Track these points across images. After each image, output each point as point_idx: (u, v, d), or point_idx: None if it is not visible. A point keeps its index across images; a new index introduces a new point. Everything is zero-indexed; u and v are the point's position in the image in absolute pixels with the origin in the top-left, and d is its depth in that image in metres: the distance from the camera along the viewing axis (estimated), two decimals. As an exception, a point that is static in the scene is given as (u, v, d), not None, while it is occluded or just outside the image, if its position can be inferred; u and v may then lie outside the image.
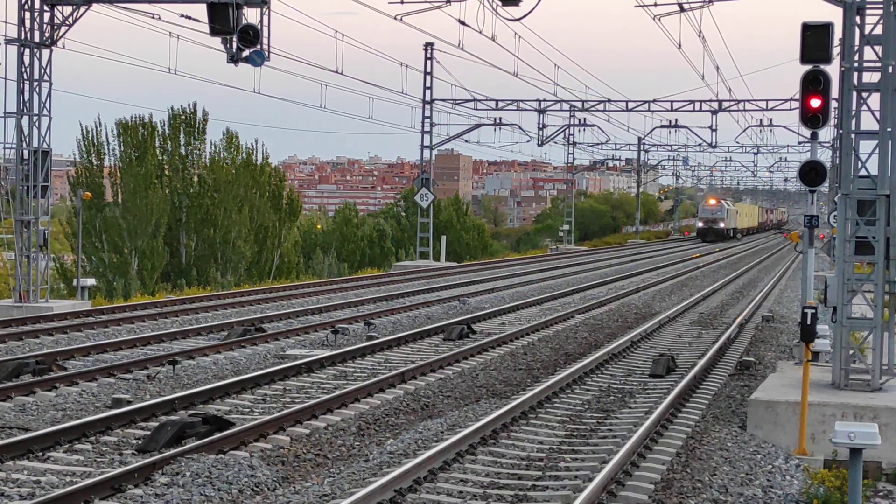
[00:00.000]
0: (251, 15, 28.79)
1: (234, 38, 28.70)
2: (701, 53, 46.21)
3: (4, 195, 31.00)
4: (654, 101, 66.15)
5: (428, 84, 61.00)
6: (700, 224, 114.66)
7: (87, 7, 30.64)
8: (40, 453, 14.02)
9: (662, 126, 78.96)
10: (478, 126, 67.14)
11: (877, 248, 17.16)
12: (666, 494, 13.18)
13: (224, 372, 21.08)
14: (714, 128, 71.32)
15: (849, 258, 17.41)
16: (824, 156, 62.14)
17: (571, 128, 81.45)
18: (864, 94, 17.45)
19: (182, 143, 57.15)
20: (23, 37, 30.20)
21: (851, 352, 17.66)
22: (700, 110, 65.48)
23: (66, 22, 30.56)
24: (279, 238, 61.70)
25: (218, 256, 56.68)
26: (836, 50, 18.72)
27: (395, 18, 36.25)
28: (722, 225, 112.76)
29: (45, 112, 30.59)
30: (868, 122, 17.48)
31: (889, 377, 17.47)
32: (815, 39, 18.33)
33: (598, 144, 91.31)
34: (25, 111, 30.39)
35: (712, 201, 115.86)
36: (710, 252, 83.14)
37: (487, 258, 75.10)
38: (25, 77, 30.41)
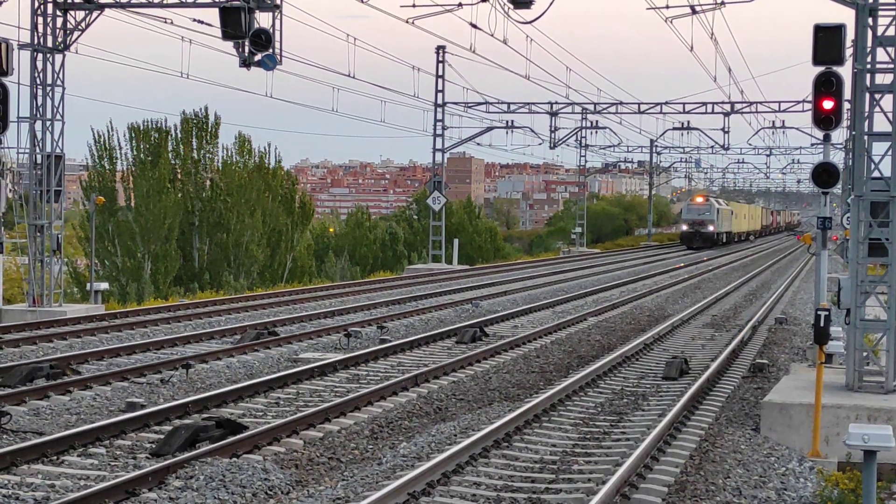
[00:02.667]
0: (263, 19, 28.87)
1: (247, 43, 28.75)
2: (713, 55, 46.17)
3: (18, 200, 31.08)
4: (666, 103, 66.10)
5: (440, 87, 61.04)
6: (684, 227, 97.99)
7: (99, 12, 30.74)
8: (55, 457, 14.05)
9: (675, 128, 78.91)
10: (490, 129, 67.14)
11: (890, 250, 17.12)
12: (679, 497, 13.17)
13: (237, 375, 21.11)
14: (726, 130, 71.15)
15: (862, 260, 17.37)
16: (837, 157, 61.97)
17: (583, 130, 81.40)
18: (877, 96, 17.41)
19: (194, 147, 57.22)
20: (36, 42, 30.29)
21: (865, 354, 17.62)
22: (712, 112, 65.39)
23: (79, 27, 30.65)
24: (292, 242, 61.74)
25: (231, 260, 56.73)
26: (849, 52, 18.70)
27: (407, 22, 36.25)
28: (711, 228, 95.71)
29: (58, 117, 30.67)
30: (881, 124, 17.45)
31: (903, 379, 17.42)
32: (827, 41, 18.32)
33: (610, 147, 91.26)
34: (38, 116, 30.47)
35: (699, 199, 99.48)
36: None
37: (500, 261, 75.07)
38: (38, 82, 30.49)
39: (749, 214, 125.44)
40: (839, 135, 58.39)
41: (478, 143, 68.93)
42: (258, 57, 28.96)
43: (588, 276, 54.43)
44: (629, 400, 19.68)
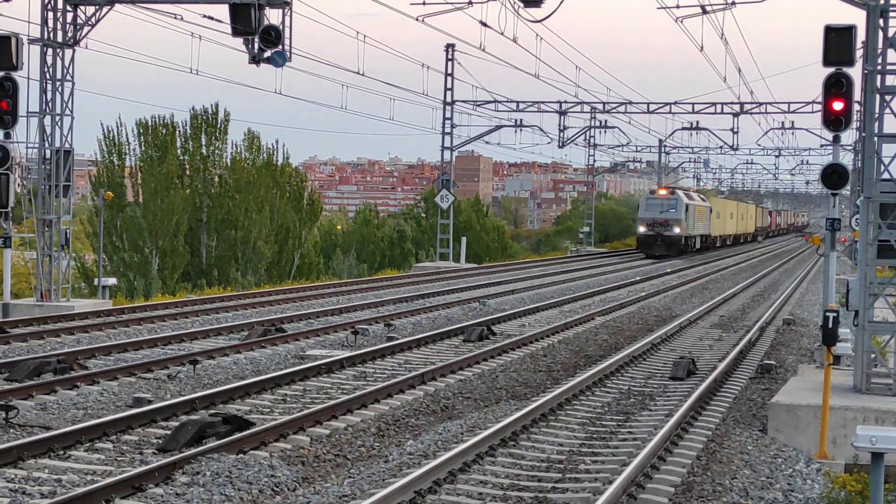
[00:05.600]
0: (273, 16, 28.87)
1: (256, 39, 28.75)
2: (723, 55, 46.24)
3: (27, 194, 31.12)
4: (675, 103, 66.01)
5: (449, 85, 61.03)
6: (641, 228, 75.89)
7: (109, 7, 30.74)
8: (61, 452, 14.06)
9: (684, 128, 78.80)
10: (498, 127, 67.12)
11: (899, 252, 17.08)
12: (686, 497, 13.15)
13: (244, 372, 21.12)
14: (735, 130, 71.05)
15: (871, 262, 17.34)
16: (846, 159, 61.88)
17: (592, 129, 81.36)
18: (888, 97, 17.38)
19: (203, 143, 57.30)
20: (46, 36, 30.31)
21: (873, 356, 17.59)
22: (721, 112, 65.30)
23: (89, 22, 30.66)
24: (299, 239, 61.81)
25: (238, 257, 56.81)
26: (859, 53, 18.67)
27: (417, 20, 36.28)
28: (677, 230, 74.27)
29: (67, 112, 30.70)
30: (891, 125, 17.45)
31: (911, 381, 17.39)
32: (837, 42, 18.32)
33: (618, 146, 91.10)
34: (48, 111, 30.50)
35: (661, 192, 77.76)
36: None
37: (507, 260, 75.06)
38: (48, 77, 30.52)
39: (739, 213, 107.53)
40: (849, 136, 58.29)
41: (486, 142, 69.00)
42: (268, 53, 28.97)
43: (596, 275, 54.38)
44: (636, 400, 19.66)
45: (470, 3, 34.55)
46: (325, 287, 41.38)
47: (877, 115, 17.32)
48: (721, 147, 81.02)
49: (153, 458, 13.94)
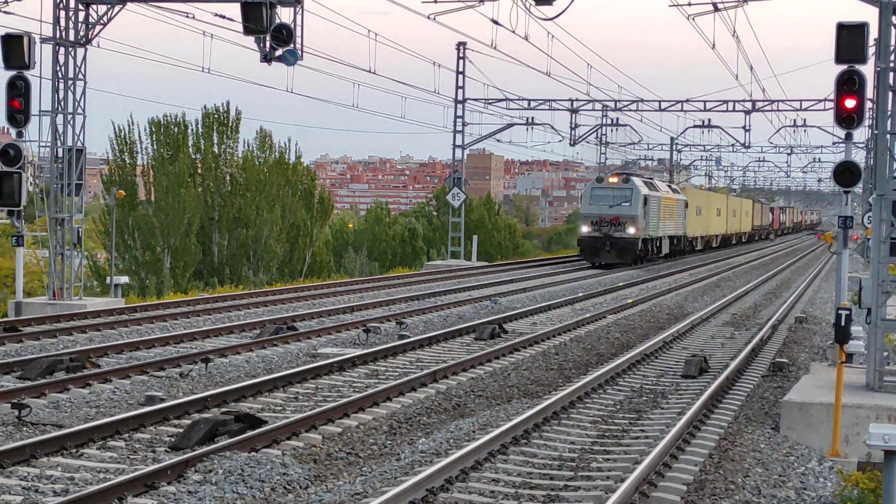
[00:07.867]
0: (285, 14, 28.87)
1: (268, 37, 28.78)
2: (735, 53, 46.11)
3: (39, 193, 31.18)
4: (687, 100, 65.85)
5: (460, 83, 61.01)
6: (584, 228, 58.47)
7: (121, 6, 30.77)
8: (74, 450, 14.09)
9: (695, 126, 78.54)
10: (510, 125, 67.03)
11: (912, 250, 17.04)
12: (698, 496, 13.13)
13: (256, 370, 21.14)
14: (747, 128, 70.85)
15: (883, 259, 17.31)
16: (859, 156, 61.73)
17: (604, 127, 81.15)
18: (900, 95, 17.34)
19: (215, 141, 57.33)
20: (58, 35, 30.35)
21: (886, 353, 17.56)
22: (733, 110, 65.12)
23: (101, 21, 30.70)
24: (311, 237, 61.84)
25: (250, 255, 56.86)
26: (872, 50, 18.63)
27: (429, 18, 36.26)
28: (631, 230, 57.27)
29: (79, 110, 30.73)
30: (903, 123, 17.36)
31: (924, 379, 17.35)
32: (850, 39, 18.29)
33: (630, 144, 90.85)
34: (60, 109, 30.53)
35: (612, 179, 59.46)
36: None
37: (519, 258, 75.01)
38: (60, 76, 30.55)
39: (729, 209, 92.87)
40: (861, 134, 58.17)
41: (498, 140, 68.90)
42: (279, 52, 29.00)
43: (607, 273, 54.31)
44: (648, 398, 19.64)
45: (481, 1, 34.53)
46: (336, 285, 41.40)
47: (889, 113, 17.28)
48: (733, 145, 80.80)
49: (165, 457, 13.96)
